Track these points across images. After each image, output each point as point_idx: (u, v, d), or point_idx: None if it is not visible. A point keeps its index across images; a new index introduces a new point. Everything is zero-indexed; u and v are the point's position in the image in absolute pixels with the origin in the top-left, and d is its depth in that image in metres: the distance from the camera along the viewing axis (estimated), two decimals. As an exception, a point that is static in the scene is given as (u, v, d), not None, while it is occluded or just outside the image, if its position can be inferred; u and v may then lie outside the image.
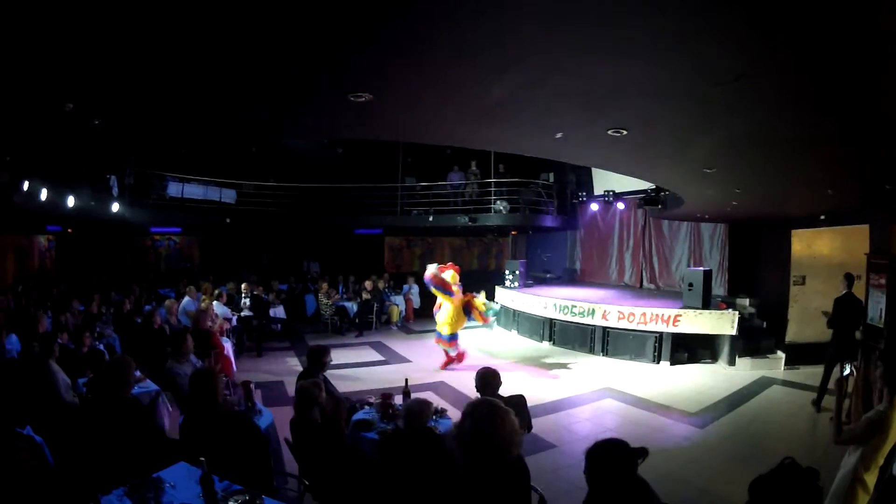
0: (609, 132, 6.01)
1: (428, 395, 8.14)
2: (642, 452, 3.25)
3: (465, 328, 13.91)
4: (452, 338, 13.16)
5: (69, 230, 19.36)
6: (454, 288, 13.08)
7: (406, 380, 7.51)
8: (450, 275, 13.23)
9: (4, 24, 3.24)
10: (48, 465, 4.78)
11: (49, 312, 11.85)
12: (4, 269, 17.27)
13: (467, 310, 13.30)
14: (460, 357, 13.24)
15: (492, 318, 14.24)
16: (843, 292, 9.84)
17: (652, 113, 5.34)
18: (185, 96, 5.12)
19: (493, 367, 6.22)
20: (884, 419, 4.29)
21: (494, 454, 3.35)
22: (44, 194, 11.54)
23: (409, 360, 14.11)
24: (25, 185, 10.78)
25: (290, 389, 7.66)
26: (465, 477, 3.42)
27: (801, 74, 3.89)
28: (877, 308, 9.68)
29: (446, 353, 13.27)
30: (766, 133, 5.74)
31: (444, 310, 13.07)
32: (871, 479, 4.41)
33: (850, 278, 10.36)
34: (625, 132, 5.97)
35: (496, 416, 3.41)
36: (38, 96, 4.86)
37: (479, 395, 5.68)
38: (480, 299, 13.64)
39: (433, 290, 13.14)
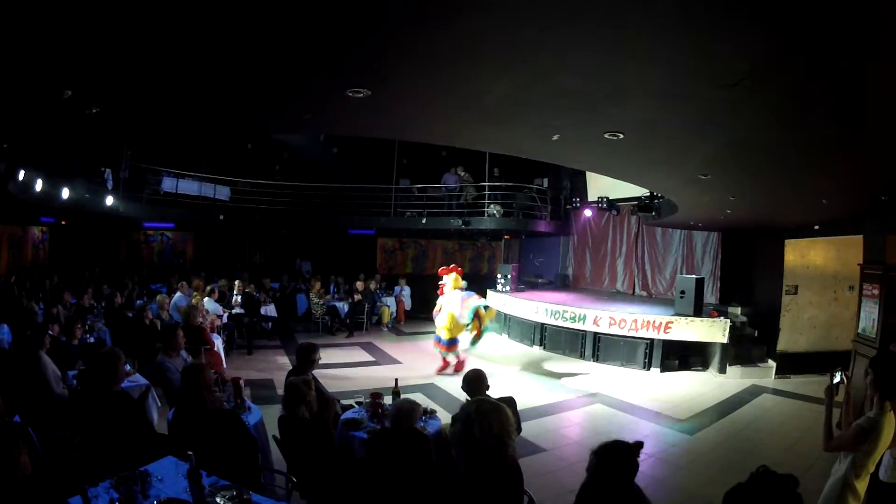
0: (606, 135, 6.00)
1: (417, 397, 8.14)
2: (639, 446, 3.34)
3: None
4: (452, 342, 12.78)
5: (63, 222, 19.36)
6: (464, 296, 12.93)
7: (396, 380, 7.51)
8: (452, 278, 13.04)
9: (5, 8, 3.22)
10: (38, 456, 4.75)
11: (41, 304, 11.83)
12: (-2, 260, 17.25)
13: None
14: (460, 365, 12.68)
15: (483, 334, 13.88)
16: None
17: (649, 116, 5.34)
18: (183, 85, 5.09)
19: (481, 370, 6.23)
20: (875, 426, 4.29)
21: (493, 453, 3.34)
22: (39, 185, 11.50)
23: (399, 362, 14.09)
24: (21, 175, 10.75)
25: (280, 387, 7.66)
26: (460, 479, 3.41)
27: (802, 79, 3.89)
28: (869, 318, 9.71)
29: (444, 359, 12.97)
30: (763, 139, 5.74)
31: (444, 314, 12.81)
32: (861, 486, 4.40)
33: None
34: (621, 136, 5.97)
35: (501, 413, 3.42)
36: (36, 82, 4.82)
37: (468, 397, 5.68)
38: (490, 308, 13.56)
39: (465, 312, 12.76)
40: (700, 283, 13.75)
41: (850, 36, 3.14)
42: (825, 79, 3.85)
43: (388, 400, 6.67)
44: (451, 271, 13.20)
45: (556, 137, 6.40)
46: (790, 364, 13.00)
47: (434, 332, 13.14)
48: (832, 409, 4.75)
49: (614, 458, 3.31)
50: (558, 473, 7.33)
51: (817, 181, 7.66)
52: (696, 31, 3.29)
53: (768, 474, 2.66)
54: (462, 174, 20.70)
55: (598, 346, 14.49)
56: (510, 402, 6.03)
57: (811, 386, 11.64)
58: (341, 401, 7.41)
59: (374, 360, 14.41)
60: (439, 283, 13.38)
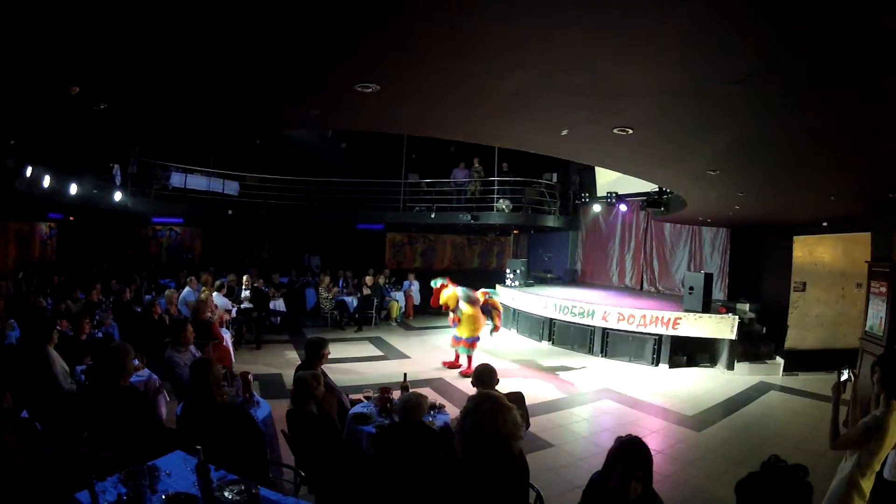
0: (615, 131, 5.99)
1: (426, 392, 8.13)
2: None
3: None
4: (473, 339, 12.52)
5: (71, 218, 19.39)
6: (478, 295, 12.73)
7: (405, 374, 7.49)
8: (448, 295, 12.72)
9: (13, 4, 3.23)
10: (44, 451, 4.77)
11: (49, 300, 11.87)
12: (5, 256, 17.24)
13: (485, 309, 12.97)
14: (468, 371, 12.13)
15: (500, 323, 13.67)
16: None
17: (658, 113, 5.33)
18: (191, 81, 5.09)
19: (491, 365, 6.22)
20: (881, 424, 4.27)
21: (495, 449, 3.33)
22: (46, 181, 11.53)
23: (407, 356, 14.11)
24: (28, 171, 10.78)
25: (289, 382, 7.67)
26: (464, 472, 3.41)
27: (807, 76, 3.87)
28: (877, 316, 9.65)
29: (457, 354, 12.73)
30: (771, 135, 5.72)
31: (464, 320, 12.50)
32: (867, 484, 4.39)
33: None
34: (630, 131, 5.96)
35: (499, 412, 3.39)
36: (43, 78, 4.82)
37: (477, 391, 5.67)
38: (496, 297, 13.48)
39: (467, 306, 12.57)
40: (709, 279, 13.67)
41: (858, 35, 3.13)
42: (834, 77, 3.83)
43: (396, 395, 6.68)
44: (446, 287, 12.92)
45: (565, 133, 6.39)
46: (798, 361, 12.97)
47: (441, 328, 13.05)
48: (839, 406, 4.74)
49: (641, 452, 3.37)
50: (566, 469, 7.33)
51: (825, 178, 7.63)
52: (704, 29, 3.28)
53: (779, 463, 2.68)
54: (477, 166, 20.71)
55: (606, 342, 14.49)
56: (519, 397, 6.05)
57: (819, 383, 11.60)
58: (350, 395, 7.41)
59: (382, 354, 14.44)
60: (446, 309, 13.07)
